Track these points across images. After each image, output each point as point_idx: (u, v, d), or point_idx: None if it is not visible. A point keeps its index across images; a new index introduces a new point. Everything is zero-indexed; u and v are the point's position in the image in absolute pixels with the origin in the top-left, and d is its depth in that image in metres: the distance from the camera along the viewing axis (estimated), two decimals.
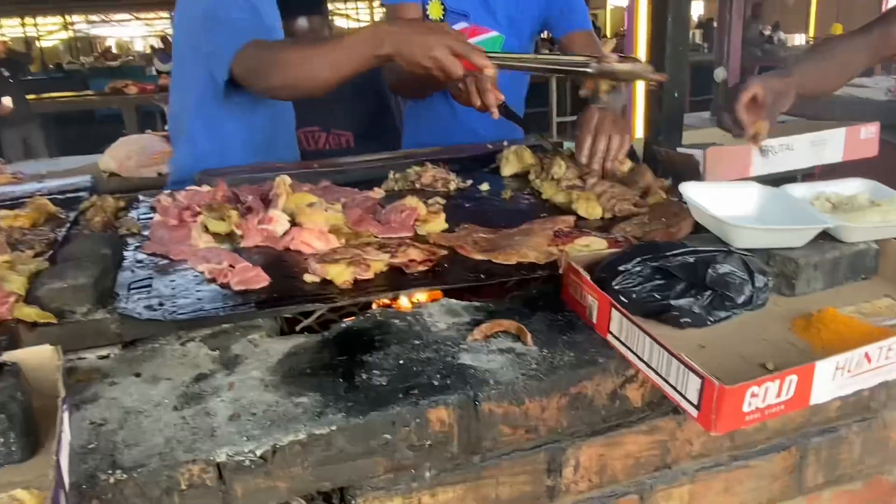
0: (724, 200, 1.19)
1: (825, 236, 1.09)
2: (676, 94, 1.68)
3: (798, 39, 10.11)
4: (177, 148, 1.90)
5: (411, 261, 1.13)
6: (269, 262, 1.18)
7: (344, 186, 1.58)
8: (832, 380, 0.80)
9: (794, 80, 1.39)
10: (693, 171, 1.57)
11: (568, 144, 2.07)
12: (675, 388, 0.80)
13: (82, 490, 0.73)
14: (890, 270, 1.07)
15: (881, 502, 1.13)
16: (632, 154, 1.74)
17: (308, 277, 1.09)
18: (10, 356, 0.79)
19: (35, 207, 1.45)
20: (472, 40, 1.90)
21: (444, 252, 1.19)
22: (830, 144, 1.78)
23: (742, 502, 1.04)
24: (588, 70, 1.46)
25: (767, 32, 9.36)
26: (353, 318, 1.04)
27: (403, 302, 1.19)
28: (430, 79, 1.36)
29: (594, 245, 1.18)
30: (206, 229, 1.28)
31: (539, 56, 1.55)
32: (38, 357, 0.81)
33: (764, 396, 0.76)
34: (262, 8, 1.67)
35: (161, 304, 1.02)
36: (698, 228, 1.21)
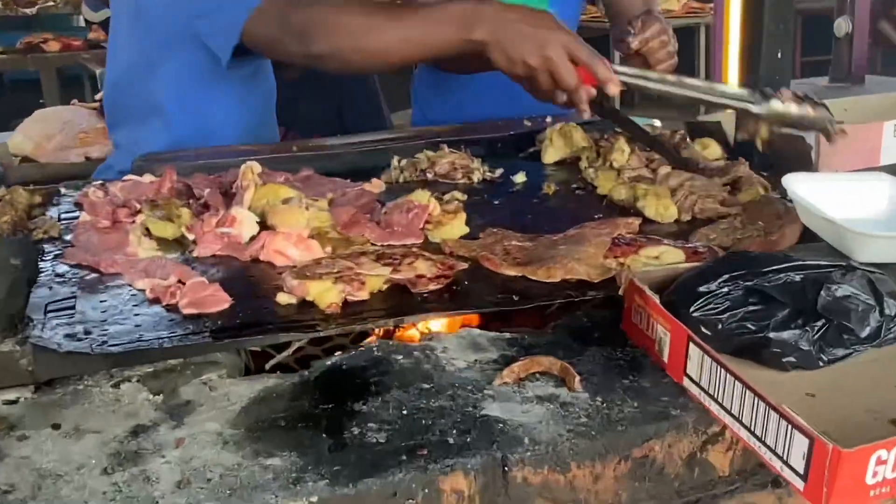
0: (845, 198, 1.18)
1: None
2: (780, 54, 1.67)
3: None
4: (129, 129, 1.90)
5: (420, 277, 1.13)
6: (230, 278, 1.19)
7: (331, 176, 1.59)
8: None
9: None
10: (802, 159, 1.56)
11: (637, 121, 2.08)
12: (774, 452, 0.80)
13: None
14: None
15: None
16: (719, 135, 1.74)
17: (283, 298, 1.09)
18: None
19: None
20: None
21: (465, 265, 1.20)
22: None
23: None
24: (751, 110, 1.47)
25: None
26: (341, 352, 1.05)
27: (410, 332, 1.19)
28: (530, 81, 1.40)
29: (667, 257, 1.18)
30: (149, 233, 1.30)
31: (685, 80, 1.55)
32: None
33: (895, 463, 0.76)
34: None
35: (87, 333, 1.03)
36: (808, 236, 1.20)
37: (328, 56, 1.51)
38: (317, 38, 1.48)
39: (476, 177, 1.68)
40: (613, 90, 1.41)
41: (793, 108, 1.45)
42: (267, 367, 1.10)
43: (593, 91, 1.45)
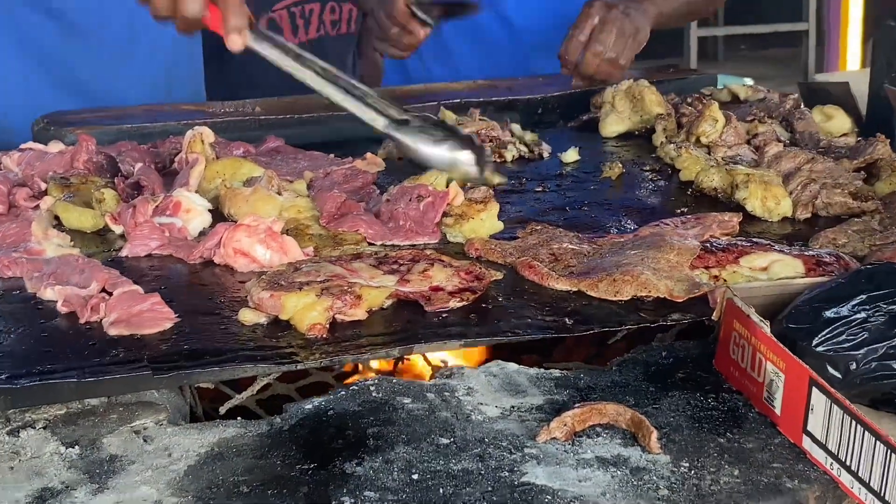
0: None
1: None
2: None
3: None
4: None
5: (437, 290, 1.13)
6: (174, 287, 1.20)
7: (311, 149, 1.58)
8: None
9: None
10: None
11: (726, 81, 2.08)
12: None
13: None
14: None
15: None
16: (848, 102, 1.73)
17: (246, 316, 1.10)
18: None
19: None
20: None
21: (498, 275, 1.20)
22: None
23: None
24: (377, 125, 1.47)
25: None
26: (327, 393, 1.04)
27: (422, 365, 1.20)
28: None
29: (779, 269, 1.18)
30: (58, 222, 1.29)
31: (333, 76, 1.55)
32: None
33: None
34: None
35: None
36: None
37: None
38: None
39: (511, 153, 1.67)
40: (235, 45, 1.41)
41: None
42: (223, 410, 1.10)
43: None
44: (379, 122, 1.49)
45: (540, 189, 1.55)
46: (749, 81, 2.26)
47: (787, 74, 7.75)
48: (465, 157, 1.45)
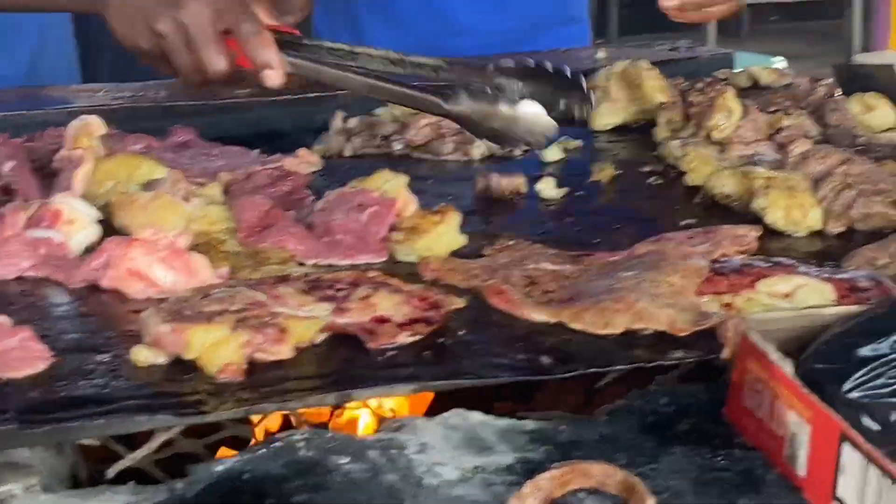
0: None
1: None
2: None
3: None
4: None
5: (383, 321, 1.13)
6: (51, 317, 1.19)
7: (228, 143, 1.57)
8: None
9: None
10: None
11: (747, 62, 2.09)
12: None
13: None
14: None
15: None
16: (892, 90, 1.74)
17: (141, 354, 1.09)
18: None
19: None
20: None
21: (460, 303, 1.20)
22: None
23: None
24: (449, 107, 1.52)
25: None
26: (243, 451, 1.04)
27: (363, 416, 1.20)
28: (165, 59, 1.49)
29: (805, 296, 1.19)
30: None
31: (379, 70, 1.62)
32: None
33: None
34: None
35: None
36: None
37: None
38: None
39: (480, 150, 1.68)
40: (271, 81, 1.47)
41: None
42: (112, 473, 1.09)
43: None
44: (452, 104, 1.50)
45: (512, 194, 1.55)
46: (779, 61, 2.28)
47: (826, 53, 7.83)
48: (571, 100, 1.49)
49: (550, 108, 1.50)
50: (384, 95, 1.62)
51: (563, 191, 1.64)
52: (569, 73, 1.50)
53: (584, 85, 1.50)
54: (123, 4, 1.48)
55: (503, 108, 1.49)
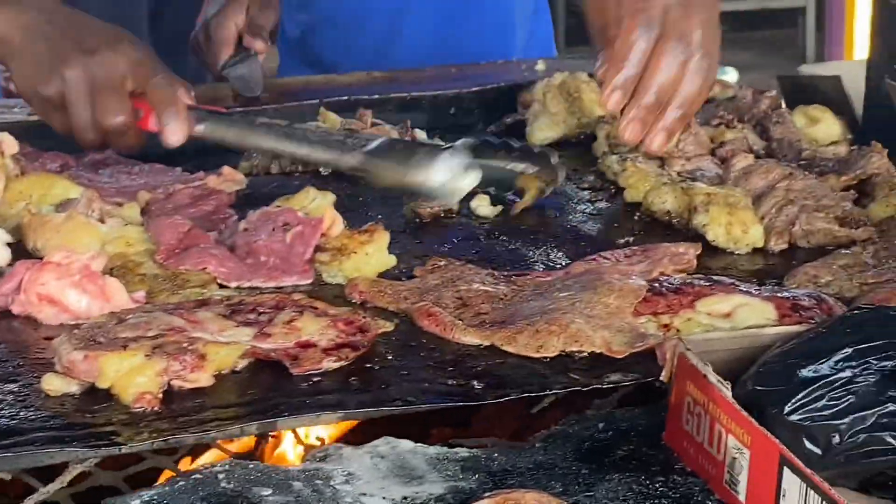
0: None
1: None
2: None
3: None
4: None
5: (306, 346, 1.13)
6: None
7: (152, 162, 1.57)
8: None
9: None
10: None
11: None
12: None
13: None
14: None
15: None
16: (838, 101, 1.75)
17: (53, 383, 1.07)
18: None
19: None
20: None
21: (387, 326, 1.20)
22: None
23: None
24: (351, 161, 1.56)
25: None
26: (161, 483, 1.03)
27: (286, 446, 1.19)
28: (63, 113, 1.49)
29: (745, 315, 1.20)
30: None
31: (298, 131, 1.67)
32: None
33: None
34: None
35: None
36: None
37: None
38: None
39: None
40: (170, 140, 1.49)
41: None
42: None
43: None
44: (354, 159, 1.53)
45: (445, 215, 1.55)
46: (730, 72, 2.28)
47: (778, 63, 7.91)
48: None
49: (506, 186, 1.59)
50: (298, 155, 1.66)
51: (498, 209, 1.64)
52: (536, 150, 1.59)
53: (553, 160, 1.58)
54: (33, 47, 1.48)
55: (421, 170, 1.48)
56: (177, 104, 1.48)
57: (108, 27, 1.55)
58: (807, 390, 0.95)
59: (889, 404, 0.93)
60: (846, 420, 0.93)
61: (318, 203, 1.33)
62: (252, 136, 1.61)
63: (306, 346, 1.12)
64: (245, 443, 1.15)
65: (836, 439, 0.93)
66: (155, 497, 1.00)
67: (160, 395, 1.06)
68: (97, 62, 1.45)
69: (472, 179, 1.47)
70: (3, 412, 1.06)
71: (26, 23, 1.49)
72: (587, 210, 1.61)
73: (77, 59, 1.46)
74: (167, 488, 1.01)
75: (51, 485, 1.08)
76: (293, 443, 1.19)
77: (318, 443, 1.18)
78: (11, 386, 1.09)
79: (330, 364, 1.12)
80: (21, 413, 1.06)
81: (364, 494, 1.00)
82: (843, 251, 1.37)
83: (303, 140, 1.61)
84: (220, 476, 1.02)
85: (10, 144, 1.35)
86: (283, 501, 0.99)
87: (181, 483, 1.01)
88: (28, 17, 1.49)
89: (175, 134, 1.47)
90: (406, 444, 1.08)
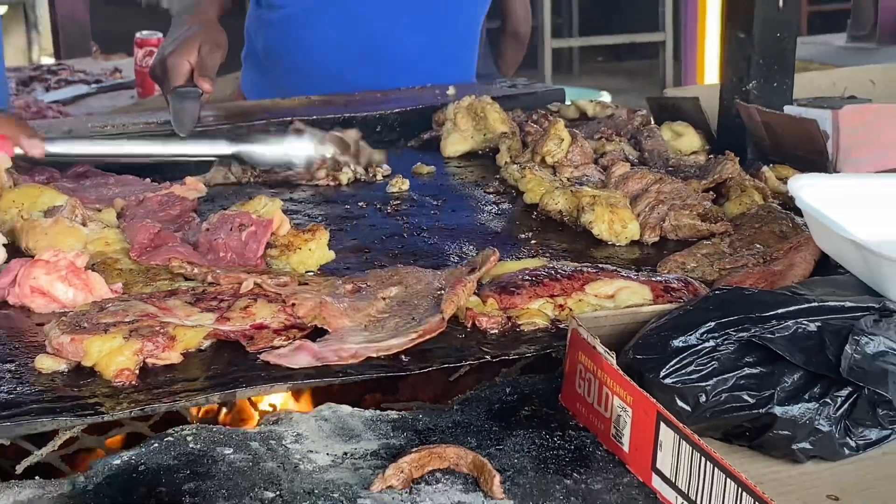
0: (876, 210, 1.22)
1: None
2: (782, 2, 1.73)
3: None
4: None
5: (261, 328, 1.12)
6: None
7: (125, 175, 1.56)
8: None
9: None
10: (814, 152, 1.61)
11: (574, 95, 2.12)
12: None
13: None
14: None
15: None
16: (698, 119, 1.78)
17: (44, 363, 1.07)
18: None
19: None
20: None
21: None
22: None
23: None
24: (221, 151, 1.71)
25: None
26: (138, 446, 1.01)
27: (245, 411, 1.18)
28: None
29: (625, 296, 1.20)
30: None
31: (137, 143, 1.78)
32: None
33: None
34: None
35: None
36: (825, 263, 1.23)
37: None
38: None
39: (347, 176, 1.68)
40: (34, 153, 1.55)
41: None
42: (19, 469, 1.05)
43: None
44: (221, 147, 1.67)
45: (372, 214, 1.55)
46: (604, 95, 2.30)
47: (643, 87, 7.95)
48: (313, 140, 1.71)
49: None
50: (161, 152, 1.74)
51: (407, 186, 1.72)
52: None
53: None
54: None
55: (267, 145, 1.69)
56: (31, 134, 1.50)
57: None
58: (678, 358, 0.96)
59: (746, 368, 0.95)
60: (711, 382, 0.95)
61: (268, 207, 1.32)
62: (112, 144, 1.69)
63: (260, 327, 1.12)
64: (211, 409, 1.15)
65: (703, 398, 0.94)
66: (134, 457, 0.98)
67: (137, 371, 1.05)
68: None
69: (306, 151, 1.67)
70: (1, 388, 1.05)
71: None
72: (493, 211, 1.61)
73: None
74: (143, 449, 1.00)
75: (44, 448, 1.07)
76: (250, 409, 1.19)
77: (271, 409, 1.17)
78: (9, 365, 1.09)
79: (280, 343, 1.11)
80: (18, 388, 1.05)
81: (311, 451, 1.00)
82: (704, 242, 1.39)
83: (166, 140, 1.71)
84: (189, 438, 1.01)
85: (4, 159, 1.34)
86: (241, 458, 0.98)
87: (155, 445, 1.00)
88: None
89: (36, 150, 1.51)
90: (345, 409, 1.08)
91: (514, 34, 3.67)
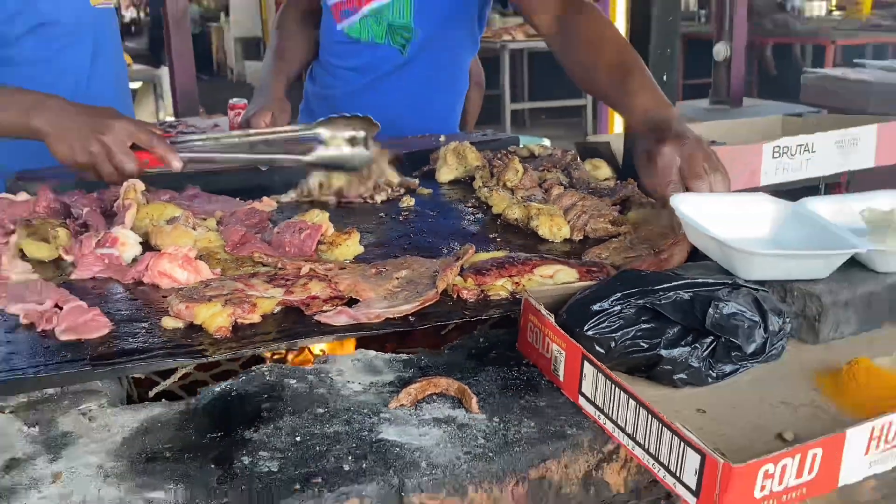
0: (729, 218, 1.22)
1: (856, 265, 1.13)
2: (665, 77, 1.73)
3: (818, 9, 10.57)
4: None
5: (313, 298, 1.12)
6: (112, 301, 1.16)
7: (222, 195, 1.57)
8: (866, 454, 0.82)
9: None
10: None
11: (525, 141, 2.12)
12: (667, 469, 0.81)
13: None
14: None
15: None
16: (608, 156, 1.79)
17: (168, 322, 1.07)
18: None
19: None
20: (370, 6, 2.09)
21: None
22: (861, 145, 1.87)
23: None
24: (305, 159, 1.64)
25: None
26: (231, 378, 1.02)
27: (303, 355, 1.18)
28: (94, 169, 1.44)
29: (560, 276, 1.20)
30: (23, 254, 1.25)
31: (249, 137, 1.71)
32: None
33: (781, 476, 0.78)
34: None
35: None
36: (697, 254, 1.24)
37: None
38: None
39: (381, 197, 1.69)
40: (176, 166, 1.47)
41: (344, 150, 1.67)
42: (151, 394, 1.07)
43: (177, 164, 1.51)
44: (307, 157, 1.63)
45: (393, 221, 1.55)
46: (545, 141, 2.30)
47: (573, 135, 7.95)
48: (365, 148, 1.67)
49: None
50: (262, 162, 1.73)
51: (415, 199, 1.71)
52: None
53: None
54: (62, 132, 1.40)
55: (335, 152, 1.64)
56: (168, 149, 1.44)
57: (105, 110, 1.48)
58: (596, 317, 0.96)
59: (641, 324, 0.96)
60: (618, 334, 0.95)
61: (319, 217, 1.31)
62: (224, 154, 1.62)
63: (313, 298, 1.12)
64: (279, 354, 1.16)
65: (613, 345, 0.95)
66: (228, 386, 0.99)
67: (230, 328, 1.06)
68: (107, 136, 1.40)
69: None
70: (139, 339, 1.05)
71: (51, 119, 1.41)
72: (471, 219, 1.59)
73: (94, 136, 1.40)
74: (236, 381, 1.00)
75: (167, 380, 1.08)
76: (308, 354, 1.19)
77: (321, 353, 1.17)
78: (144, 324, 1.09)
79: (327, 308, 1.11)
80: (150, 339, 1.05)
81: (348, 381, 1.01)
82: (613, 239, 1.39)
83: (267, 152, 1.66)
84: (266, 373, 1.02)
85: (140, 186, 1.34)
86: (301, 386, 0.99)
87: (243, 378, 1.01)
88: (52, 114, 1.42)
89: (176, 165, 1.45)
90: (371, 353, 1.08)
91: (478, 84, 3.69)
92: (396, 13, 2.07)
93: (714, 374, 0.96)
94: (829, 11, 10.59)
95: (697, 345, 0.95)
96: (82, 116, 1.42)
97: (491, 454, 0.87)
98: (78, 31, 1.92)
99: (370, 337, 1.13)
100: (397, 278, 1.20)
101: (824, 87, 4.90)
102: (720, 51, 4.65)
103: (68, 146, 1.40)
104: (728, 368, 0.96)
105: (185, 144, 1.53)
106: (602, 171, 1.79)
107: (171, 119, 4.95)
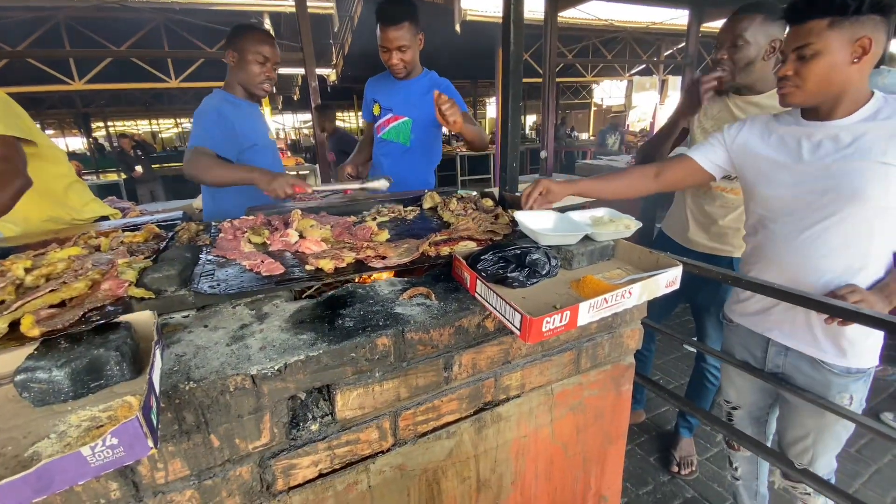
0: (536, 220, 1.22)
1: (587, 238, 1.13)
2: (515, 164, 1.72)
3: (584, 136, 10.46)
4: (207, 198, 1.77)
5: (368, 256, 1.08)
6: (284, 259, 1.11)
7: (333, 215, 1.53)
8: (588, 312, 0.84)
9: (573, 188, 1.30)
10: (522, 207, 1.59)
11: (460, 191, 2.06)
12: (509, 321, 0.83)
13: (169, 395, 0.68)
14: (620, 255, 1.12)
15: (620, 376, 1.19)
16: (492, 196, 1.75)
17: (309, 267, 1.03)
18: (125, 318, 0.75)
19: (147, 230, 1.33)
20: (392, 125, 1.93)
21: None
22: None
23: (548, 379, 1.06)
24: (365, 186, 1.54)
25: (568, 132, 9.68)
26: (334, 289, 1.01)
27: (364, 280, 1.13)
28: (275, 195, 1.41)
29: (469, 245, 1.17)
30: (249, 241, 1.22)
31: (343, 183, 1.61)
32: (143, 318, 0.76)
33: (554, 322, 0.80)
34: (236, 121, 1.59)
35: (219, 285, 0.95)
36: (523, 235, 1.23)
37: (197, 179, 1.47)
38: (190, 173, 1.46)
39: (411, 215, 1.60)
40: (308, 190, 1.45)
41: (379, 185, 1.55)
42: (302, 296, 1.04)
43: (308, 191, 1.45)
44: (381, 185, 1.54)
45: (400, 225, 1.50)
46: (474, 193, 2.17)
47: (481, 188, 7.63)
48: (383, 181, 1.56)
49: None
50: (345, 188, 1.58)
51: (415, 214, 1.56)
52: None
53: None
54: (267, 181, 1.39)
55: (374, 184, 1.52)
56: (306, 184, 1.42)
57: (279, 172, 1.45)
58: (482, 261, 0.93)
59: (500, 262, 0.92)
60: (491, 268, 0.93)
61: (369, 222, 1.26)
62: (328, 187, 1.54)
63: (369, 256, 1.04)
64: (354, 279, 1.07)
65: (489, 272, 0.92)
66: (335, 293, 0.96)
67: (333, 269, 1.01)
68: (286, 182, 1.39)
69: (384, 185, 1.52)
70: (295, 272, 0.99)
71: (256, 176, 1.40)
72: (435, 224, 1.52)
73: (282, 180, 1.39)
74: (337, 290, 0.97)
75: (309, 290, 1.03)
76: (369, 279, 1.14)
77: (371, 279, 1.12)
78: (298, 269, 1.02)
79: (374, 261, 1.05)
80: (299, 273, 0.99)
81: (382, 290, 0.98)
82: (489, 231, 1.32)
83: (353, 187, 1.56)
84: (350, 287, 0.99)
85: (298, 212, 1.30)
86: (363, 293, 0.96)
87: (339, 289, 0.98)
88: (261, 174, 1.40)
89: (308, 189, 1.41)
90: (394, 279, 1.05)
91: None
92: (403, 127, 2.00)
93: (529, 283, 0.95)
94: (589, 137, 10.16)
95: (522, 271, 0.94)
96: (280, 178, 1.42)
97: (440, 317, 0.87)
98: (266, 148, 1.84)
99: (393, 271, 1.09)
100: (403, 247, 1.17)
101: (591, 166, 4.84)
102: (542, 154, 4.60)
103: (273, 190, 1.40)
104: (534, 280, 0.95)
105: (317, 189, 1.50)
106: (489, 203, 1.76)
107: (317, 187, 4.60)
